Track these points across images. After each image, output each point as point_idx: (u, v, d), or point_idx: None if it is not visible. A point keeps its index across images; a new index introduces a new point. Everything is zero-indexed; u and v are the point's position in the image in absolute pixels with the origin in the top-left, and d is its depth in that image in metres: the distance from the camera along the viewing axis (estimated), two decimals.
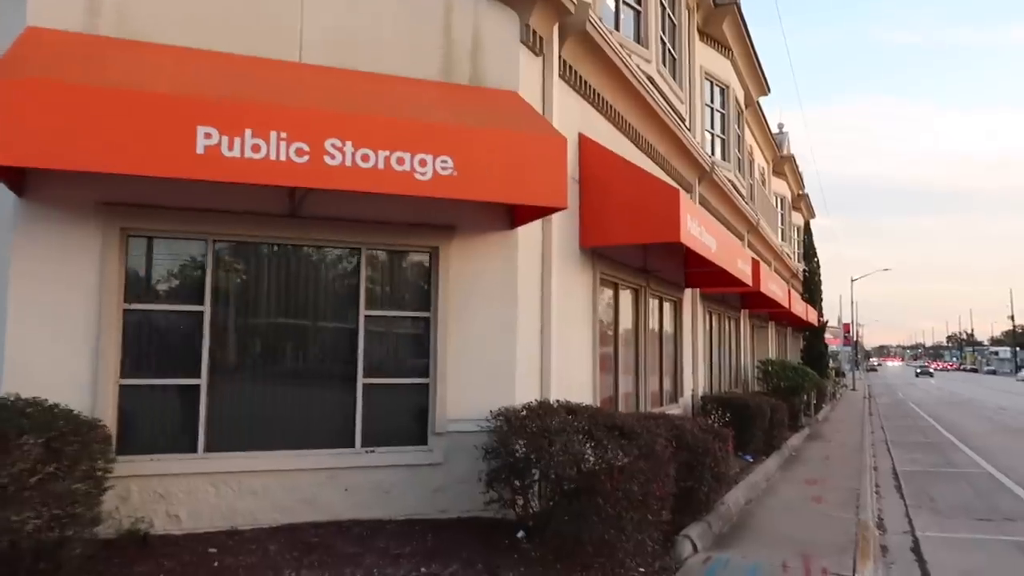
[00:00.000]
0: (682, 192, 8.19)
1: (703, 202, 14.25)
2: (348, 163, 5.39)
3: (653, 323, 11.84)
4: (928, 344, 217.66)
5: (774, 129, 28.19)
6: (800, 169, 31.75)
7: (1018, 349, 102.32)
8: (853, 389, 46.45)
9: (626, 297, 10.65)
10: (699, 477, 7.18)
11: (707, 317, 15.64)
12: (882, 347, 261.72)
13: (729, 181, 16.19)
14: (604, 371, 9.61)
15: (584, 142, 8.67)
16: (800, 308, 23.20)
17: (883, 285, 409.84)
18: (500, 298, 6.95)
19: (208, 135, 5.09)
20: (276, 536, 5.99)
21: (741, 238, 18.82)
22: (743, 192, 18.51)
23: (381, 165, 5.49)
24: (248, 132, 5.16)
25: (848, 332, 54.77)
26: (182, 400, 6.08)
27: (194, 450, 6.04)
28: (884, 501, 10.39)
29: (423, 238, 6.75)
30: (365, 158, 5.44)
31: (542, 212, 6.68)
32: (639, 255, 10.78)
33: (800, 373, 19.01)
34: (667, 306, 12.74)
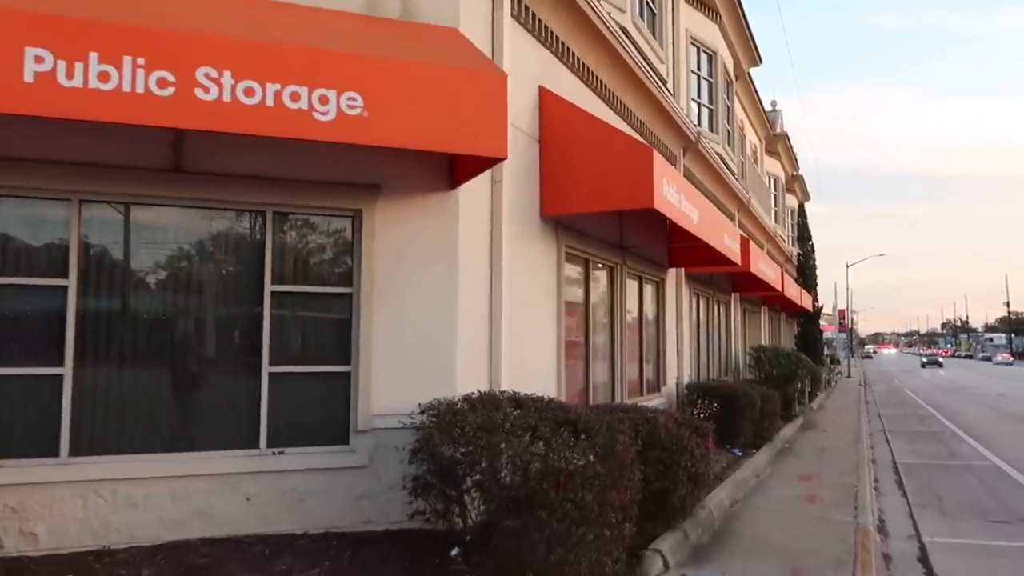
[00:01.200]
0: (657, 153, 7.13)
1: (688, 175, 13.18)
2: (227, 98, 4.31)
3: (632, 305, 10.80)
4: (923, 331, 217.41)
5: (767, 107, 27.11)
6: (794, 150, 30.68)
7: (1013, 335, 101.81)
8: (848, 376, 45.60)
9: (599, 276, 9.59)
10: (674, 479, 6.16)
11: (694, 300, 14.61)
12: (877, 334, 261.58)
13: (717, 154, 15.13)
14: (572, 358, 8.57)
15: (546, 96, 7.59)
16: (794, 292, 22.21)
17: (878, 272, 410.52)
18: (437, 272, 5.89)
19: (40, 59, 4.00)
20: (156, 556, 4.95)
21: (732, 217, 17.77)
22: (733, 168, 17.45)
23: (270, 102, 4.41)
24: (93, 56, 4.08)
25: (843, 318, 53.85)
26: (41, 393, 5.00)
27: (55, 454, 4.98)
28: (885, 499, 9.40)
29: (342, 199, 5.67)
30: (249, 92, 4.36)
31: (482, 165, 5.60)
32: (613, 228, 9.72)
33: (794, 360, 18.01)
34: (648, 287, 11.69)
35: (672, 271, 12.60)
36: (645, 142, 8.88)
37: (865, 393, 31.32)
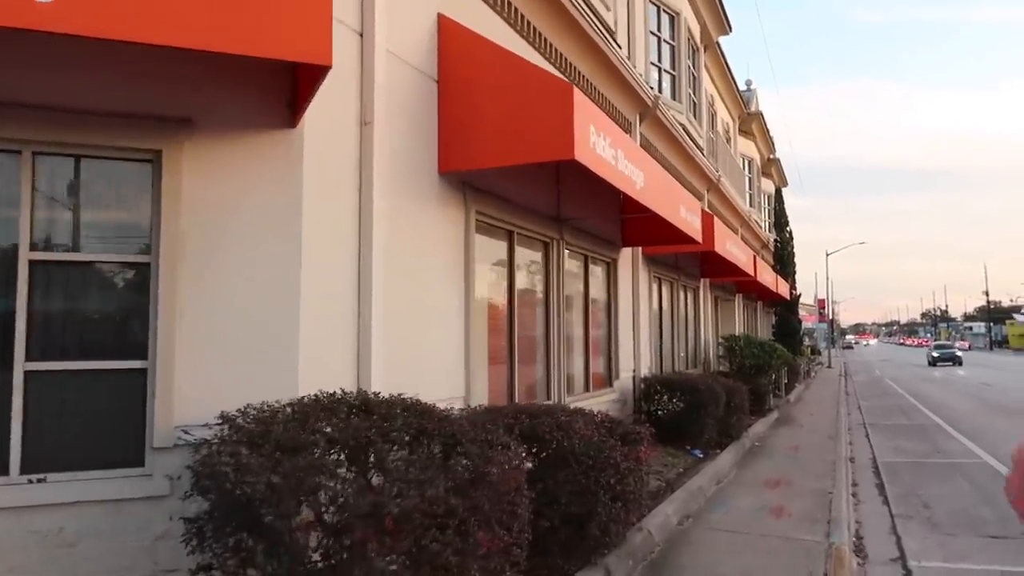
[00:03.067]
0: (580, 93, 5.73)
1: (647, 146, 11.80)
2: None
3: (573, 288, 9.41)
4: (903, 321, 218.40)
5: (741, 86, 25.81)
6: (771, 133, 29.42)
7: (992, 324, 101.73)
8: (829, 367, 44.66)
9: (528, 252, 8.17)
10: (592, 501, 4.77)
11: (655, 285, 13.24)
12: (858, 325, 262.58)
13: (681, 125, 13.77)
14: (492, 352, 7.17)
15: (445, 27, 6.16)
16: (769, 278, 20.93)
17: (858, 264, 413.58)
18: (274, 238, 4.44)
19: None
20: None
21: (700, 197, 16.45)
22: (700, 144, 16.10)
23: None
24: None
25: (823, 308, 52.91)
26: None
27: None
28: (864, 508, 8.09)
29: (136, 137, 4.19)
30: None
31: (310, 82, 4.14)
32: (546, 194, 8.31)
33: (767, 349, 16.74)
34: (596, 268, 10.30)
35: (626, 251, 11.21)
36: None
37: (846, 384, 30.23)
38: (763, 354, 16.34)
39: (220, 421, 3.65)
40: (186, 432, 3.99)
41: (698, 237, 10.39)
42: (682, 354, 15.40)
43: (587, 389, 9.66)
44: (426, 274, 5.85)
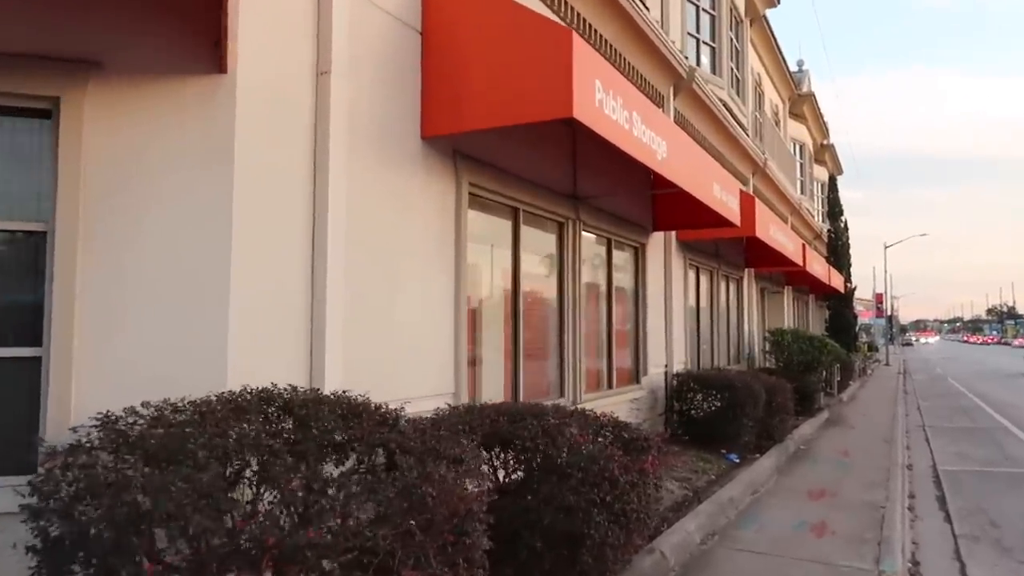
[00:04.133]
0: (580, 39, 4.89)
1: (681, 123, 10.85)
2: None
3: (594, 275, 8.56)
4: (967, 317, 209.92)
5: (792, 67, 24.41)
6: (824, 116, 27.84)
7: None
8: (887, 364, 42.59)
9: (538, 233, 7.35)
10: (585, 522, 3.96)
11: (691, 273, 12.26)
12: (918, 321, 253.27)
13: (721, 101, 12.73)
14: (492, 343, 6.39)
15: None
16: (821, 269, 19.65)
17: (919, 259, 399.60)
18: (197, 205, 3.74)
19: None
20: None
21: (744, 182, 15.35)
22: (744, 123, 15.00)
23: None
24: None
25: (881, 303, 50.55)
26: None
27: None
28: (922, 526, 7.06)
29: (27, 80, 3.53)
30: None
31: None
32: (559, 166, 7.47)
33: (816, 345, 15.54)
34: (622, 253, 9.42)
35: (657, 236, 10.29)
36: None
37: (904, 382, 28.55)
38: (812, 350, 15.17)
39: (96, 423, 2.95)
40: (75, 433, 3.31)
41: (736, 220, 9.42)
42: (723, 349, 14.38)
43: (610, 386, 8.81)
44: (405, 255, 5.09)
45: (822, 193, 29.51)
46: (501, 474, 4.22)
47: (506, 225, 6.69)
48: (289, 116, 4.16)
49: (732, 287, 15.31)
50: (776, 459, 9.61)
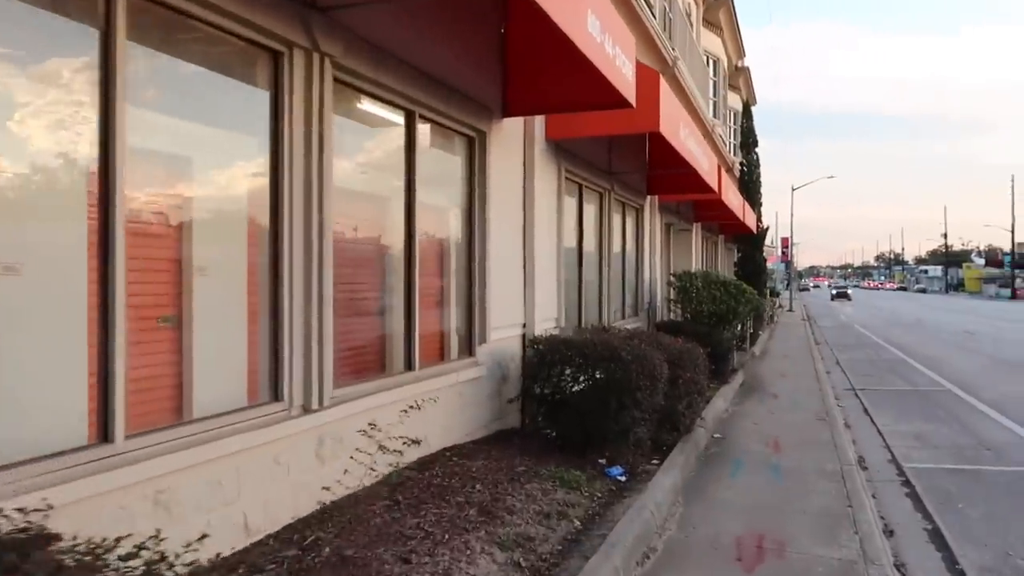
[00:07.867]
0: None
1: None
2: None
3: (376, 180, 4.80)
4: (857, 264, 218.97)
5: None
6: (742, 33, 24.60)
7: (947, 268, 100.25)
8: (790, 310, 41.21)
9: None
10: None
11: (574, 194, 8.68)
12: (812, 267, 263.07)
13: None
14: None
15: None
16: (736, 202, 16.61)
17: (814, 209, 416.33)
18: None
19: None
20: None
21: None
22: (651, 2, 11.38)
23: None
24: None
25: (787, 247, 49.25)
26: None
27: None
28: None
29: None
30: None
31: None
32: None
33: (732, 292, 12.45)
34: (440, 145, 5.65)
35: (512, 125, 6.55)
36: None
37: (813, 331, 26.48)
38: (727, 298, 12.05)
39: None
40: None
41: (629, 96, 5.82)
42: (616, 300, 11.01)
43: (408, 367, 5.14)
44: None
45: (734, 123, 26.58)
46: None
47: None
48: None
49: (630, 218, 11.90)
50: (682, 469, 6.29)
